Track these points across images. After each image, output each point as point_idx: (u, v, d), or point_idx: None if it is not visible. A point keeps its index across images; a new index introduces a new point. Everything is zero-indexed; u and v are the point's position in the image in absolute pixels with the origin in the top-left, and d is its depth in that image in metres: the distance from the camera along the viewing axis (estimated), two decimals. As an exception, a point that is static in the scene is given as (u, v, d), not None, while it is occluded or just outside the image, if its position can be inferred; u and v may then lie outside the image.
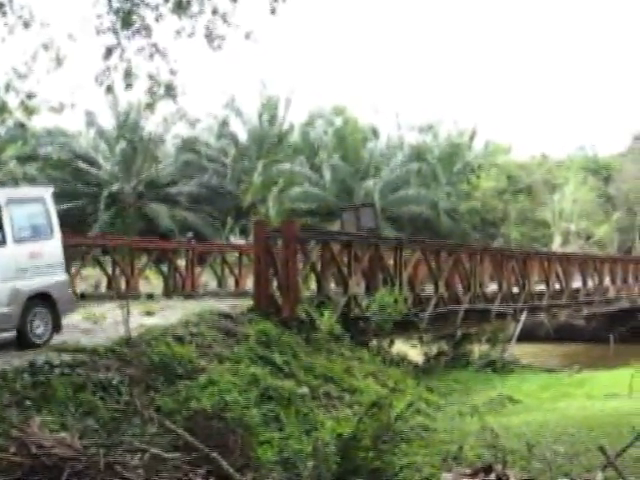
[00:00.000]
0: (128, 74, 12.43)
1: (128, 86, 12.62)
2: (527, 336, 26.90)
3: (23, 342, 10.51)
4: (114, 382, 8.75)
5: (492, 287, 22.78)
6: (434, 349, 22.50)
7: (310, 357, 13.13)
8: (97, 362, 9.39)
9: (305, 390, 11.00)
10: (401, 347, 21.75)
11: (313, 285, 16.90)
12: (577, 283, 28.80)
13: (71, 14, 13.69)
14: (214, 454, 5.85)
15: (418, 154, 54.39)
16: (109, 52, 12.28)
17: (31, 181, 48.97)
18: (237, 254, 25.22)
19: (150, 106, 13.69)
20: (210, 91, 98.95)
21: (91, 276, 21.84)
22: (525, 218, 51.64)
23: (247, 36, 12.22)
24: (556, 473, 7.34)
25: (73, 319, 13.24)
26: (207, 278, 24.67)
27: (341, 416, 10.51)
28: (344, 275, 16.56)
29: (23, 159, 50.16)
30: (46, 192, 13.02)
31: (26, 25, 12.42)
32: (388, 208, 49.18)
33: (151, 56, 12.37)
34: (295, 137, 57.81)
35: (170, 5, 12.10)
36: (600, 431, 9.47)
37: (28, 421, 6.34)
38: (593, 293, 30.00)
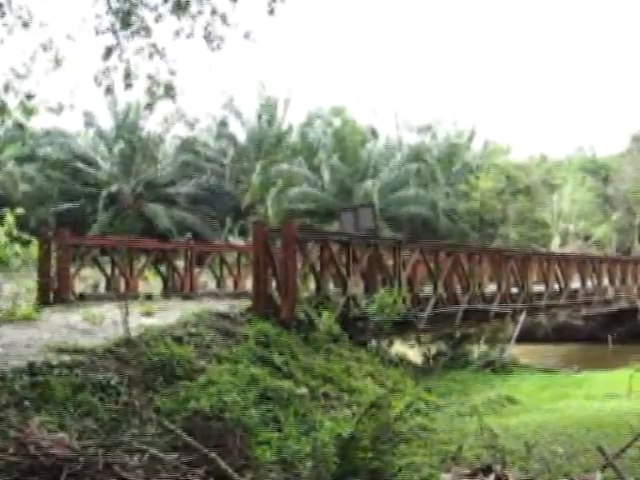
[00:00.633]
0: (127, 74, 12.45)
1: (127, 86, 12.63)
2: (526, 336, 26.93)
3: None
4: (113, 383, 8.74)
5: (491, 287, 22.78)
6: (433, 349, 22.55)
7: (309, 357, 13.13)
8: (96, 363, 9.38)
9: (304, 390, 10.99)
10: (400, 347, 21.78)
11: (312, 285, 16.89)
12: (576, 283, 28.82)
13: (70, 14, 13.69)
14: (213, 454, 5.85)
15: (417, 155, 54.45)
16: (108, 52, 12.29)
17: (30, 181, 49.08)
18: (236, 254, 25.22)
19: (149, 106, 13.71)
20: (209, 92, 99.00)
21: (90, 276, 21.82)
22: (524, 218, 51.64)
23: (246, 36, 12.25)
24: (555, 473, 7.35)
25: (72, 320, 13.25)
26: (206, 278, 24.65)
27: (340, 416, 10.51)
28: (343, 275, 16.55)
29: (22, 159, 50.27)
30: None
31: (25, 25, 12.42)
32: (387, 208, 49.20)
33: (150, 56, 12.39)
34: (294, 138, 57.89)
35: (169, 5, 12.12)
36: (599, 431, 9.48)
37: (27, 421, 6.34)
38: (592, 293, 30.01)
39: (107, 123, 54.98)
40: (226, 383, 9.76)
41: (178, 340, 11.44)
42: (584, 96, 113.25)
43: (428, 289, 19.80)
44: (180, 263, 22.26)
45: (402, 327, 17.39)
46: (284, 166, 52.58)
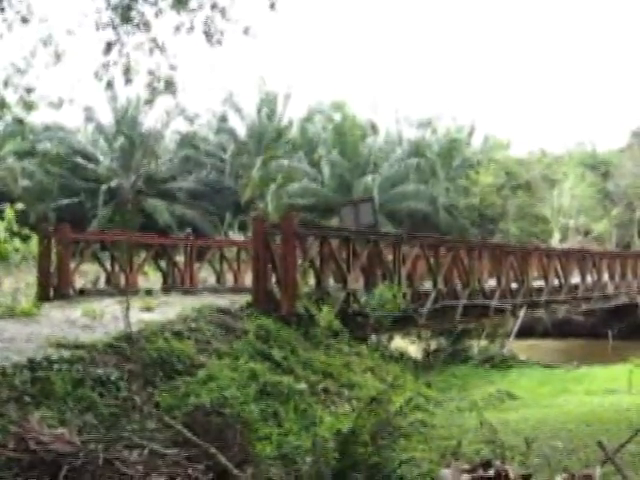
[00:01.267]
0: (127, 69, 12.43)
1: (128, 81, 12.62)
2: (526, 332, 26.98)
3: None
4: (113, 378, 8.74)
5: (491, 283, 22.79)
6: (433, 345, 22.57)
7: (309, 353, 13.14)
8: (96, 358, 9.39)
9: (304, 386, 11.00)
10: (400, 343, 21.79)
11: (312, 281, 16.89)
12: (576, 279, 28.81)
13: (70, 9, 13.67)
14: (213, 450, 5.85)
15: (417, 150, 54.47)
16: (108, 47, 12.28)
17: (30, 177, 49.06)
18: (236, 250, 25.22)
19: (150, 102, 13.71)
20: (209, 87, 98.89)
21: (90, 272, 21.83)
22: (524, 214, 51.63)
23: (246, 31, 12.23)
24: (555, 468, 7.35)
25: (72, 315, 13.26)
26: (206, 274, 24.67)
27: (340, 411, 10.52)
28: (343, 271, 16.55)
29: (22, 154, 50.22)
30: None
31: (24, 21, 12.41)
32: (387, 204, 49.19)
33: (150, 51, 12.38)
34: (294, 133, 57.88)
35: (169, 0, 12.10)
36: (599, 426, 9.48)
37: (27, 417, 6.34)
38: (592, 289, 30.00)
39: (107, 118, 54.97)
40: (226, 378, 9.76)
41: (178, 335, 11.45)
42: (584, 91, 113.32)
43: (428, 284, 19.81)
44: (180, 258, 22.26)
45: (402, 322, 17.40)
46: (284, 161, 52.59)
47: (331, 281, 17.31)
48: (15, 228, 15.98)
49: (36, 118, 47.41)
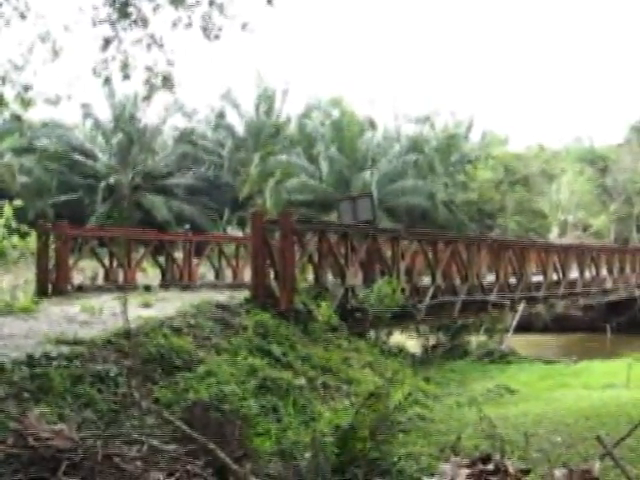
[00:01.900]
0: (125, 65, 12.42)
1: (125, 77, 12.61)
2: (525, 327, 27.00)
3: None
4: (112, 374, 8.74)
5: (489, 278, 22.80)
6: (432, 340, 22.58)
7: (307, 348, 13.14)
8: (95, 354, 9.38)
9: (303, 381, 11.00)
10: (399, 338, 21.80)
11: (310, 276, 16.89)
12: (574, 274, 28.81)
13: (67, 5, 13.66)
14: (212, 445, 5.85)
15: (415, 145, 54.44)
16: (106, 43, 12.27)
17: (28, 173, 49.04)
18: (234, 245, 25.22)
19: (147, 97, 13.70)
20: (207, 83, 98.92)
21: (88, 268, 21.82)
22: (522, 209, 51.66)
23: (243, 27, 12.22)
24: (554, 462, 7.35)
25: (71, 311, 13.25)
26: (204, 270, 24.67)
27: (339, 407, 10.52)
28: (341, 266, 16.56)
29: (20, 151, 50.19)
30: None
31: (22, 17, 12.39)
32: (385, 199, 49.19)
33: (148, 47, 12.38)
34: (292, 129, 57.87)
35: (167, -4, 12.09)
36: (597, 421, 9.49)
37: (26, 413, 6.34)
38: (590, 284, 30.01)
39: (105, 115, 54.94)
40: (225, 374, 9.77)
41: (177, 331, 11.44)
42: (582, 87, 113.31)
43: (427, 279, 19.81)
44: (178, 254, 22.26)
45: (401, 317, 17.38)
46: (282, 157, 52.56)
47: (330, 276, 17.30)
48: (13, 225, 16.00)
49: (34, 115, 47.36)
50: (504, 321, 23.84)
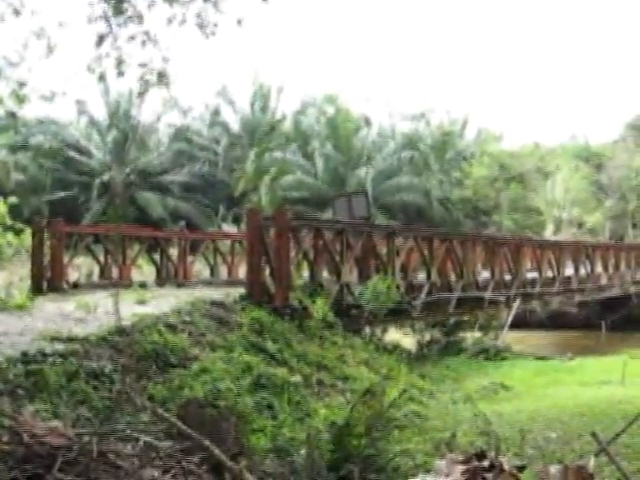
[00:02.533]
0: (120, 62, 12.39)
1: (120, 74, 12.58)
2: (520, 323, 27.00)
3: None
4: (107, 371, 8.72)
5: (485, 274, 22.80)
6: (427, 336, 22.58)
7: (303, 345, 13.14)
8: (90, 351, 9.37)
9: (298, 378, 11.01)
10: (394, 335, 21.81)
11: (306, 273, 16.89)
12: (569, 270, 28.83)
13: (62, 2, 13.64)
14: (207, 442, 5.85)
15: (410, 142, 54.52)
16: (101, 40, 12.24)
17: (23, 170, 49.00)
18: (229, 242, 25.21)
19: (142, 94, 13.68)
20: (202, 80, 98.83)
21: (83, 265, 21.80)
22: (517, 206, 51.71)
23: (238, 23, 12.20)
24: (549, 459, 7.37)
25: (66, 308, 13.23)
26: (199, 267, 24.66)
27: (334, 404, 10.52)
28: (337, 263, 16.55)
29: (15, 148, 50.20)
30: None
31: (16, 13, 12.36)
32: (380, 196, 49.26)
33: (143, 44, 12.35)
34: (287, 126, 57.89)
35: (161, -8, 12.07)
36: (592, 418, 9.51)
37: (20, 410, 6.33)
38: (585, 280, 30.04)
39: (100, 112, 54.95)
40: (220, 371, 9.77)
41: (172, 328, 11.43)
42: (577, 84, 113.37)
43: (422, 276, 19.82)
44: (174, 251, 22.24)
45: (396, 314, 17.42)
46: (278, 154, 52.58)
47: (325, 273, 17.32)
48: (8, 222, 15.95)
49: (29, 112, 47.33)
50: (499, 318, 23.86)
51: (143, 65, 12.56)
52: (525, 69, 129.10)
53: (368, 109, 59.45)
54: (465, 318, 22.48)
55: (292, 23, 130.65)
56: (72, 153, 51.85)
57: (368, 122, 58.86)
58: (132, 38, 12.32)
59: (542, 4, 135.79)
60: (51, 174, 50.94)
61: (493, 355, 20.25)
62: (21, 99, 13.55)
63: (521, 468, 5.40)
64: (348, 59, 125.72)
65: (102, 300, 13.18)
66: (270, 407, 9.38)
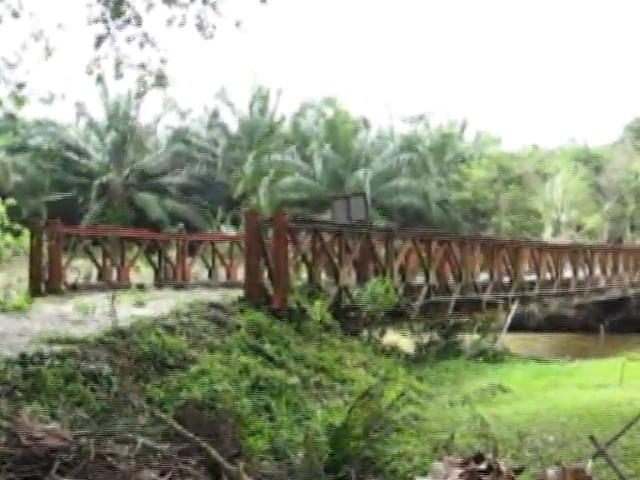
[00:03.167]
0: (118, 64, 12.40)
1: (118, 76, 12.60)
2: (518, 326, 26.97)
3: None
4: (105, 372, 8.71)
5: (483, 277, 22.79)
6: (425, 338, 22.53)
7: (301, 347, 13.12)
8: (88, 353, 9.36)
9: (296, 380, 11.00)
10: (392, 337, 21.78)
11: (304, 275, 16.88)
12: (568, 273, 28.82)
13: (61, 4, 13.65)
14: (205, 444, 5.85)
15: (409, 144, 54.56)
16: (99, 41, 12.26)
17: (22, 172, 49.00)
18: (228, 244, 25.20)
19: (140, 95, 13.69)
20: (201, 82, 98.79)
21: (82, 267, 21.78)
22: (516, 208, 51.72)
23: (237, 24, 12.21)
24: (547, 462, 7.36)
25: (64, 310, 13.22)
26: (198, 268, 24.64)
27: (332, 405, 10.52)
28: (335, 265, 16.54)
29: (13, 150, 50.19)
30: None
31: (15, 15, 12.36)
32: (379, 198, 49.28)
33: (141, 45, 12.36)
34: (286, 127, 57.92)
35: (160, -6, 12.09)
36: (591, 420, 9.49)
37: (18, 412, 6.33)
38: (584, 283, 30.02)
39: (99, 113, 54.93)
40: (218, 372, 9.77)
41: (170, 330, 11.41)
42: (576, 86, 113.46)
43: (420, 278, 19.80)
44: (172, 253, 22.24)
45: (394, 316, 17.40)
46: (276, 156, 52.59)
47: (323, 275, 17.30)
48: (7, 223, 15.96)
49: (27, 113, 47.37)
50: (497, 320, 23.83)
51: (142, 66, 12.57)
52: (524, 71, 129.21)
53: (367, 111, 59.73)
54: (464, 320, 22.44)
55: (291, 25, 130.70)
56: (71, 154, 51.84)
57: (367, 124, 58.90)
58: (130, 40, 12.34)
59: (542, 6, 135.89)
60: (50, 175, 50.90)
61: (491, 357, 20.21)
62: (20, 101, 13.56)
63: (519, 470, 5.41)
64: (347, 61, 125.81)
65: (100, 302, 13.16)
66: (268, 409, 9.38)
